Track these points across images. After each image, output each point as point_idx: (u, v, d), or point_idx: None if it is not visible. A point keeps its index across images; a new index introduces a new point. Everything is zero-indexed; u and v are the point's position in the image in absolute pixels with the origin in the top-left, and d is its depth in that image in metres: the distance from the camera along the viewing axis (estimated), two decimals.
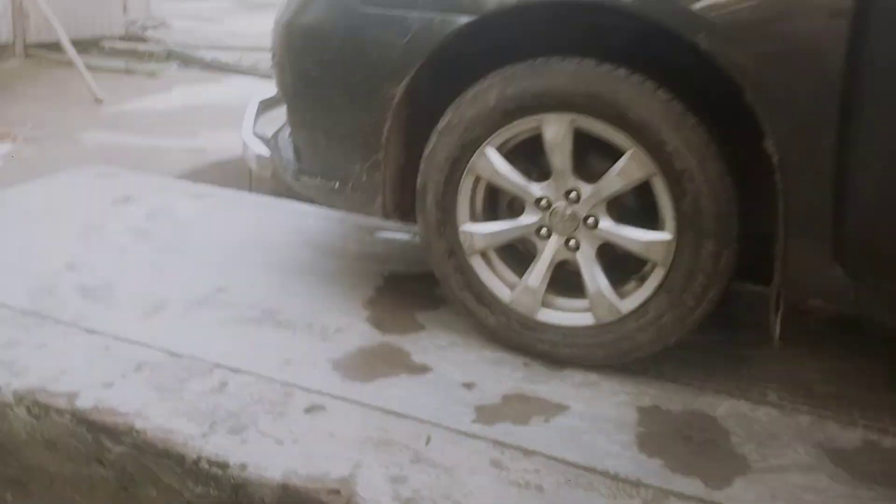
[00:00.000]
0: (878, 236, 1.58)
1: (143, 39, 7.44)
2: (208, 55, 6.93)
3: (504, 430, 1.65)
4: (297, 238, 2.62)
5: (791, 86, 1.54)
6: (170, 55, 6.93)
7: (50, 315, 2.02)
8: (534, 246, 1.91)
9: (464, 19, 1.79)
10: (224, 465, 1.53)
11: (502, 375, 1.86)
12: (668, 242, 1.75)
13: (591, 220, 1.82)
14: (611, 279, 1.84)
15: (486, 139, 1.87)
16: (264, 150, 2.28)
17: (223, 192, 3.04)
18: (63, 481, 1.68)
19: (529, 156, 1.92)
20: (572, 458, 1.56)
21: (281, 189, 3.56)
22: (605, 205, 1.81)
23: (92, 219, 2.66)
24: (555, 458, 1.56)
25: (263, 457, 1.55)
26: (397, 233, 2.68)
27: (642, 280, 1.84)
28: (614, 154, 1.78)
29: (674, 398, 1.79)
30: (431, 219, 1.98)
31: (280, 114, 2.59)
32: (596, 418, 1.70)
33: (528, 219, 1.89)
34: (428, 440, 1.61)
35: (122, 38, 7.34)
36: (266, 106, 2.65)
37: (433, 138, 1.93)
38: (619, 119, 1.73)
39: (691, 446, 1.62)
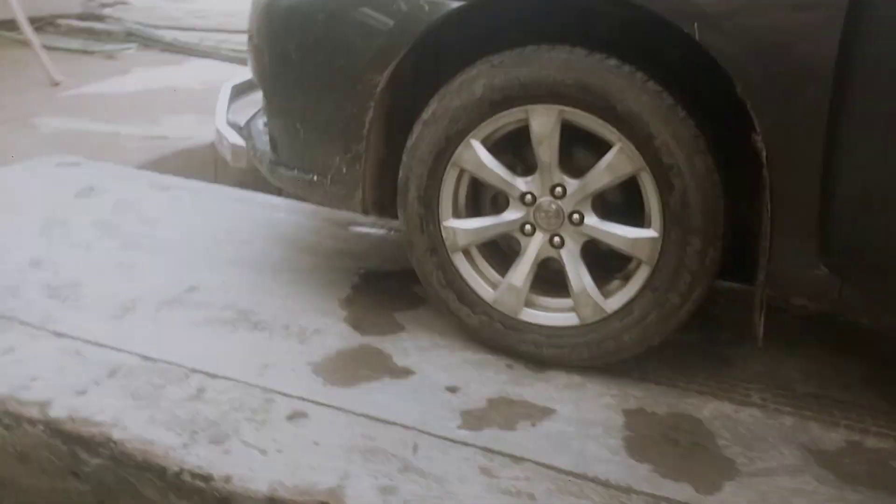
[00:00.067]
0: (864, 235, 1.57)
1: (100, 18, 7.21)
2: (168, 35, 6.74)
3: (492, 436, 1.63)
4: (268, 233, 2.56)
5: (784, 79, 1.51)
6: (129, 35, 6.72)
7: (15, 317, 1.94)
8: (517, 243, 1.88)
9: (453, 4, 1.73)
10: (207, 478, 1.48)
11: (486, 378, 1.84)
12: (654, 240, 1.73)
13: (576, 217, 1.80)
14: (594, 278, 1.83)
15: (471, 131, 1.82)
16: (240, 140, 2.21)
17: (190, 184, 2.95)
18: (37, 495, 1.62)
19: (512, 149, 1.88)
20: (562, 465, 1.54)
21: (247, 180, 3.49)
22: (590, 200, 1.79)
23: (55, 212, 2.57)
24: (545, 465, 1.54)
25: (248, 468, 1.50)
26: (371, 228, 2.63)
27: (626, 279, 1.82)
28: (599, 148, 1.75)
29: (658, 400, 1.78)
30: (413, 214, 1.93)
31: (253, 100, 2.53)
32: (583, 422, 1.69)
33: (513, 214, 1.86)
34: (415, 448, 1.58)
35: (78, 17, 7.10)
36: (238, 92, 2.57)
37: (416, 129, 1.87)
38: (607, 111, 1.69)
39: (679, 450, 1.62)
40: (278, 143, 2.12)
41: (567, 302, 1.86)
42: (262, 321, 2.02)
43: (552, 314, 1.88)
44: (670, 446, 1.63)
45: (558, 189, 1.80)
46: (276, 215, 2.69)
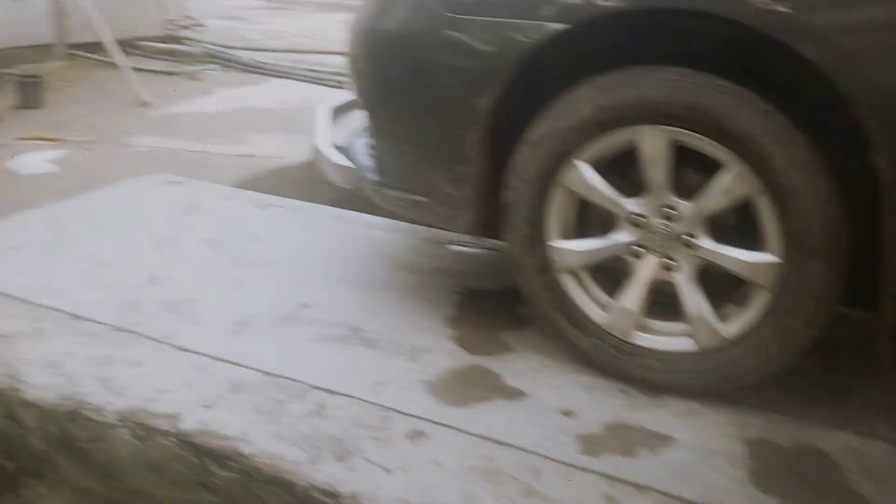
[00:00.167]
0: None
1: (180, 40, 7.44)
2: (246, 56, 6.93)
3: (612, 463, 1.62)
4: (369, 251, 2.60)
5: None
6: (209, 56, 6.92)
7: (139, 331, 2.00)
8: (627, 265, 1.87)
9: (557, 27, 1.74)
10: (334, 495, 1.51)
11: (600, 402, 1.83)
12: (774, 264, 1.70)
13: (688, 239, 1.78)
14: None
15: (578, 151, 1.82)
16: (345, 161, 2.25)
17: (289, 203, 3.02)
18: None
19: (621, 169, 1.87)
20: (688, 495, 1.52)
21: (340, 198, 3.55)
22: (704, 223, 1.77)
23: (164, 229, 2.65)
24: (670, 495, 1.52)
25: (373, 486, 1.52)
26: (468, 246, 2.65)
27: (742, 303, 1.80)
28: (710, 168, 1.73)
29: (781, 430, 1.74)
30: (520, 235, 1.94)
31: (348, 121, 2.58)
32: (704, 451, 1.66)
33: (623, 236, 1.85)
34: (537, 472, 1.58)
35: (159, 39, 7.34)
36: (335, 112, 2.62)
37: (522, 150, 1.88)
38: (721, 132, 1.67)
39: (807, 483, 1.58)
40: (384, 165, 2.16)
41: (681, 326, 1.84)
42: (373, 339, 2.05)
43: (666, 338, 1.86)
44: (797, 479, 1.59)
45: (670, 211, 1.78)
46: (375, 233, 2.73)
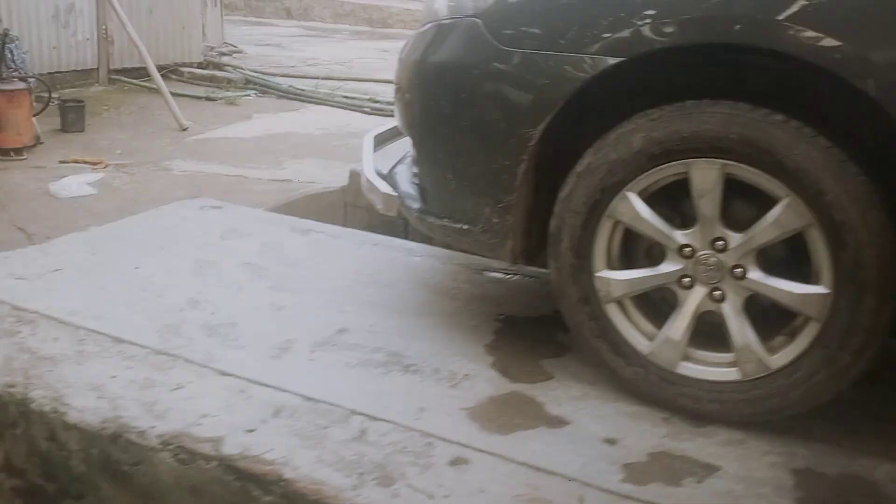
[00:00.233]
0: None
1: (219, 66, 7.57)
2: (284, 83, 7.02)
3: (658, 492, 1.59)
4: (408, 276, 2.60)
5: None
6: (248, 83, 7.03)
7: (180, 355, 2.01)
8: (673, 295, 1.86)
9: (611, 60, 1.75)
10: None
11: (643, 431, 1.80)
12: (825, 296, 1.68)
13: (738, 271, 1.76)
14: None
15: (628, 183, 1.82)
16: (391, 190, 2.26)
17: (327, 228, 3.04)
18: None
19: (669, 200, 1.87)
20: None
21: (374, 223, 3.57)
22: (754, 255, 1.75)
23: (204, 253, 2.67)
24: None
25: None
26: (506, 273, 2.64)
27: (792, 335, 1.77)
28: (760, 200, 1.73)
29: (827, 460, 1.71)
30: (565, 264, 1.93)
31: (390, 149, 2.59)
32: (750, 481, 1.63)
33: (671, 267, 1.83)
34: (582, 500, 1.55)
35: (199, 65, 7.48)
36: (379, 141, 2.64)
37: (571, 181, 1.88)
38: (774, 166, 1.67)
39: None
40: (428, 193, 2.17)
41: (727, 356, 1.82)
42: (413, 364, 2.04)
43: (712, 368, 1.84)
44: None
45: (719, 242, 1.77)
46: (413, 259, 2.73)
